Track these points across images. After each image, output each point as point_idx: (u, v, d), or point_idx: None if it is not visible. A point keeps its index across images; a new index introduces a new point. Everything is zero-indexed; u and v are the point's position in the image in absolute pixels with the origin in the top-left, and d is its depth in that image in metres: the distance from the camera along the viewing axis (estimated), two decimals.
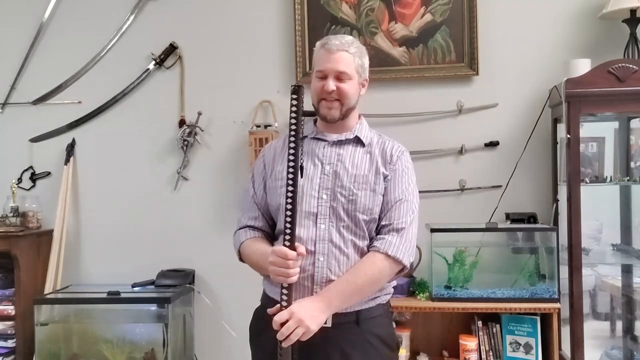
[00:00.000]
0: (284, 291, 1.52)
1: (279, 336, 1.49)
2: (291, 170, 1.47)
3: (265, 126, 2.85)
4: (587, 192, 2.35)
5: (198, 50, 2.97)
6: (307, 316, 1.50)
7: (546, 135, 2.70)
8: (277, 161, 1.75)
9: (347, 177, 1.66)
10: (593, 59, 2.45)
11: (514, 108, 2.75)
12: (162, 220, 2.99)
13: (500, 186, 2.74)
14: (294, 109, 1.49)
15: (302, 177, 1.61)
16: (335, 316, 1.59)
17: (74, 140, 3.05)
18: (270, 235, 1.78)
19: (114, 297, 2.69)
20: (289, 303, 1.52)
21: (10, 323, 2.81)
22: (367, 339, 1.62)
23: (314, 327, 1.50)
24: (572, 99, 2.31)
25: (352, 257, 1.62)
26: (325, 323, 1.57)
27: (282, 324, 1.49)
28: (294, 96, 1.50)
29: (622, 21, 2.54)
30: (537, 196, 2.73)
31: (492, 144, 2.75)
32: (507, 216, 2.67)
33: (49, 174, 3.09)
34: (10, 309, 2.81)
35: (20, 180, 3.07)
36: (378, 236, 1.65)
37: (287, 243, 1.50)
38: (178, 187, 2.98)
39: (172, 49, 2.97)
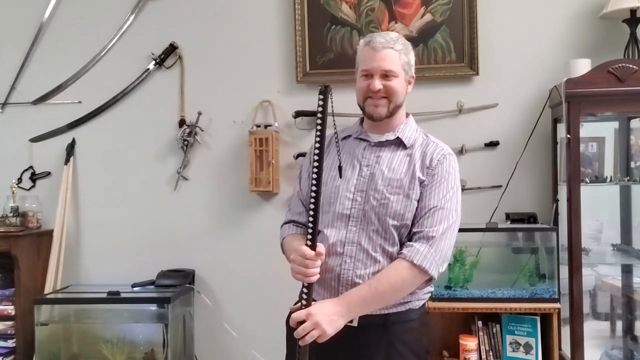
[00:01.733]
0: (304, 290, 1.51)
1: (296, 335, 1.48)
2: (315, 170, 1.45)
3: (265, 126, 2.85)
4: (587, 192, 2.35)
5: (198, 50, 2.97)
6: (324, 320, 1.48)
7: (546, 135, 2.70)
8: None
9: (382, 180, 1.62)
10: (593, 59, 2.45)
11: (514, 108, 2.75)
12: (162, 220, 2.99)
13: (500, 186, 2.74)
14: (320, 109, 1.45)
15: (340, 177, 1.63)
16: (363, 317, 1.57)
17: (74, 140, 3.05)
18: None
19: (114, 297, 2.69)
20: (309, 302, 1.50)
21: (10, 323, 2.81)
22: (393, 344, 1.59)
23: (331, 332, 1.48)
24: (572, 99, 2.31)
25: (381, 262, 1.59)
26: (352, 322, 1.56)
27: (300, 323, 1.48)
28: (321, 96, 1.46)
29: (622, 21, 2.54)
30: (537, 196, 2.73)
31: (492, 144, 2.75)
32: (507, 216, 2.67)
33: (49, 174, 3.09)
34: (10, 309, 2.81)
35: (20, 180, 3.07)
36: (408, 243, 1.59)
37: (309, 242, 1.49)
38: (178, 187, 2.98)
39: (172, 49, 2.97)
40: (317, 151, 1.46)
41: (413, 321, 1.64)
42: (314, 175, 1.46)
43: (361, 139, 1.71)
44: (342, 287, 1.59)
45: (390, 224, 1.60)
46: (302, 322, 1.48)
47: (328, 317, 1.49)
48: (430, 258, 1.55)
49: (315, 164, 1.46)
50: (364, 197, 1.62)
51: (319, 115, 1.45)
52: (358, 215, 1.62)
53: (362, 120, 1.77)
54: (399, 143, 1.69)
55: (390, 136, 1.69)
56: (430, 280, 1.59)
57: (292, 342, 1.60)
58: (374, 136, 1.70)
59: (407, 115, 1.76)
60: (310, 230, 1.49)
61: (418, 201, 1.61)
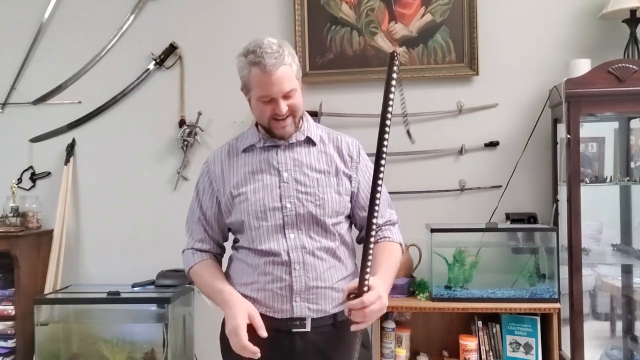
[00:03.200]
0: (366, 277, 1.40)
1: (361, 317, 1.39)
2: (384, 151, 1.31)
3: None
4: (587, 192, 2.35)
5: (198, 50, 2.97)
6: (386, 297, 1.46)
7: (546, 135, 2.70)
8: (229, 174, 1.65)
9: (310, 181, 1.60)
10: (593, 59, 2.45)
11: (514, 108, 2.75)
12: (162, 220, 2.98)
13: (500, 186, 2.74)
14: (394, 75, 1.33)
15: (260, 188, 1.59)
16: (314, 320, 1.58)
17: (74, 140, 3.05)
18: (220, 254, 1.74)
19: (114, 297, 2.69)
20: (361, 291, 1.40)
21: (10, 323, 2.81)
22: (344, 340, 1.60)
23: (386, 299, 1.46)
24: (572, 99, 2.31)
25: (327, 260, 1.60)
26: (305, 327, 1.57)
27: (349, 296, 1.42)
28: (396, 62, 1.33)
29: (622, 21, 2.54)
30: (537, 196, 2.73)
31: (492, 144, 2.75)
32: (507, 216, 2.67)
33: (49, 174, 3.09)
34: (10, 309, 2.81)
35: (20, 180, 3.07)
36: (383, 228, 1.67)
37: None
38: (178, 187, 2.98)
39: (172, 49, 2.97)
40: (387, 129, 1.32)
41: None
42: (382, 162, 1.31)
43: (269, 146, 1.64)
44: (296, 294, 1.57)
45: (329, 223, 1.60)
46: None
47: (386, 292, 1.48)
48: (400, 235, 1.71)
49: (385, 142, 1.31)
50: (294, 202, 1.58)
51: (391, 83, 1.34)
52: (293, 222, 1.58)
53: (257, 125, 1.68)
54: (308, 142, 1.66)
55: (300, 136, 1.65)
56: None
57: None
58: (280, 140, 1.64)
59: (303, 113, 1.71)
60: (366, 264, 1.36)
61: (356, 196, 1.66)
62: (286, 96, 1.57)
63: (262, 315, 1.55)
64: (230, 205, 1.64)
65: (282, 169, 1.62)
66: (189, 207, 1.75)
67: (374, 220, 1.33)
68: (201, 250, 1.71)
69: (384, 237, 1.67)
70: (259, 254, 1.60)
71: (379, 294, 1.40)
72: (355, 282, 1.41)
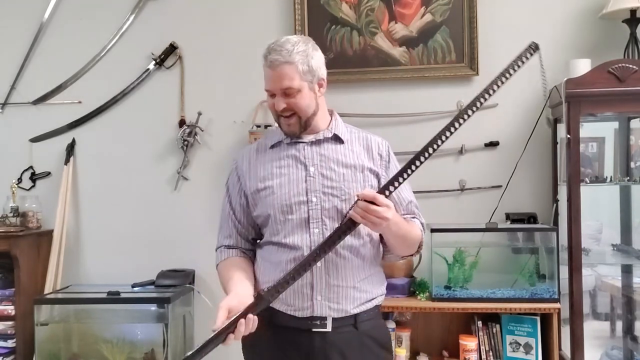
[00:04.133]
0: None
1: (362, 208, 1.43)
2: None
3: (265, 126, 2.85)
4: (587, 192, 2.35)
5: (198, 50, 2.97)
6: (394, 215, 1.49)
7: (546, 135, 2.70)
8: (255, 169, 1.67)
9: (336, 176, 1.60)
10: (593, 59, 2.45)
11: (514, 108, 2.75)
12: (162, 220, 2.98)
13: (500, 186, 2.74)
14: (520, 63, 1.45)
15: (287, 182, 1.60)
16: (335, 320, 1.57)
17: (74, 140, 3.05)
18: (250, 249, 1.73)
19: (114, 297, 2.69)
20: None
21: (10, 323, 2.81)
22: (364, 342, 1.60)
23: (385, 226, 1.47)
24: (572, 99, 2.31)
25: (350, 258, 1.59)
26: (325, 327, 1.56)
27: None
28: (530, 54, 1.44)
29: (622, 21, 2.54)
30: (537, 196, 2.73)
31: (492, 144, 2.75)
32: (507, 216, 2.67)
33: (49, 174, 3.09)
34: (10, 309, 2.81)
35: (20, 180, 3.07)
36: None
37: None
38: (178, 187, 2.98)
39: (172, 49, 2.97)
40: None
41: (377, 317, 1.67)
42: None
43: (296, 142, 1.65)
44: (316, 292, 1.56)
45: None
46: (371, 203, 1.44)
47: (394, 219, 1.49)
48: (423, 234, 1.69)
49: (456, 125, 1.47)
50: (320, 197, 1.58)
51: (514, 67, 1.44)
52: (318, 217, 1.58)
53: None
54: (335, 139, 1.66)
55: (327, 133, 1.66)
56: (411, 255, 1.71)
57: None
58: (308, 137, 1.65)
59: (332, 112, 1.72)
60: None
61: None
62: (286, 94, 1.57)
63: (283, 313, 1.57)
64: (257, 199, 1.65)
65: (308, 163, 1.62)
66: (221, 206, 1.77)
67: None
68: (228, 247, 1.71)
69: (413, 217, 1.70)
70: (282, 248, 1.59)
71: (391, 209, 1.46)
72: (370, 190, 1.47)
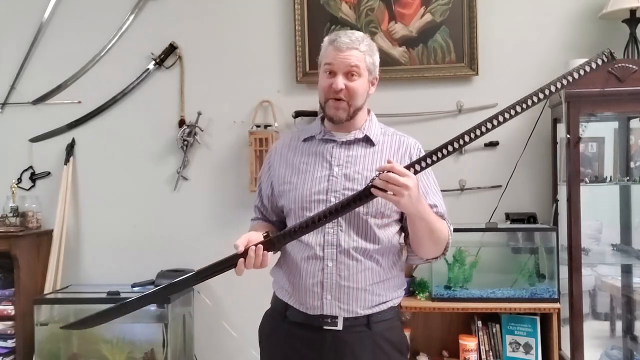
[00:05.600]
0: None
1: (383, 179, 1.40)
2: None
3: (265, 126, 2.85)
4: (587, 192, 2.35)
5: (198, 50, 2.97)
6: (415, 191, 1.43)
7: (546, 135, 2.70)
8: (285, 161, 1.69)
9: (358, 179, 1.59)
10: None
11: None
12: (162, 220, 2.99)
13: (500, 186, 2.74)
14: (588, 68, 1.44)
15: (310, 179, 1.61)
16: (346, 319, 1.57)
17: (73, 140, 3.05)
18: (275, 222, 1.77)
19: (113, 297, 2.69)
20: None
21: (10, 323, 2.81)
22: (377, 343, 1.59)
23: (407, 202, 1.42)
24: (572, 99, 2.31)
25: (362, 261, 1.57)
26: (336, 325, 1.57)
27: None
28: (603, 60, 1.45)
29: (622, 21, 2.54)
30: (537, 196, 2.73)
31: (492, 144, 2.75)
32: (507, 216, 2.67)
33: (48, 174, 3.09)
34: (10, 309, 2.81)
35: (20, 180, 3.07)
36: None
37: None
38: (178, 187, 2.98)
39: (172, 49, 2.97)
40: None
41: (393, 319, 1.65)
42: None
43: (327, 139, 1.66)
44: (326, 292, 1.56)
45: (372, 223, 1.58)
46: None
47: (417, 194, 1.46)
48: (450, 238, 1.62)
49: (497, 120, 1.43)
50: (339, 198, 1.57)
51: (584, 70, 1.47)
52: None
53: (322, 119, 1.71)
54: (366, 141, 1.66)
55: (359, 134, 1.65)
56: (436, 258, 1.65)
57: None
58: (340, 135, 1.65)
59: (369, 111, 1.73)
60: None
61: None
62: (347, 75, 1.58)
63: (296, 310, 1.60)
64: (281, 191, 1.68)
65: (334, 162, 1.62)
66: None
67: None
68: (254, 219, 1.82)
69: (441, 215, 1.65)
70: (299, 244, 1.60)
71: (411, 178, 1.42)
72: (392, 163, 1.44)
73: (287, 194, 1.64)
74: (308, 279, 1.56)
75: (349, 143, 1.65)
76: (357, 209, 1.53)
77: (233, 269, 1.54)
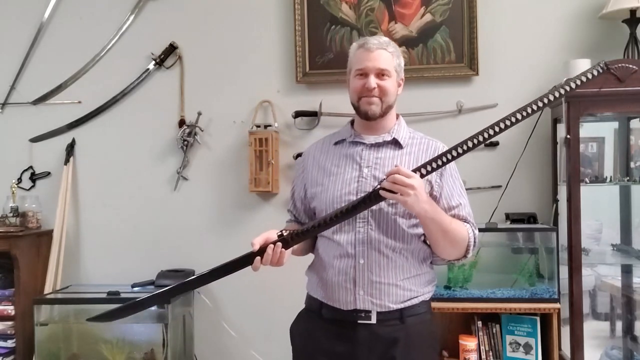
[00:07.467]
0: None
1: (390, 180, 1.48)
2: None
3: (265, 126, 2.85)
4: (587, 192, 2.35)
5: (198, 50, 2.97)
6: (421, 193, 1.50)
7: (546, 135, 2.70)
8: (317, 164, 1.76)
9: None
10: (593, 59, 2.44)
11: (514, 108, 2.70)
12: (162, 220, 2.99)
13: (500, 186, 2.74)
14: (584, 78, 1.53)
15: (340, 180, 1.66)
16: (379, 314, 1.62)
17: (73, 140, 3.05)
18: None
19: (114, 297, 2.69)
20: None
21: (10, 323, 2.81)
22: (410, 337, 1.63)
23: (413, 203, 1.49)
24: (572, 99, 2.31)
25: (393, 258, 1.63)
26: (370, 319, 1.61)
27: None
28: (598, 72, 1.56)
29: (622, 21, 2.54)
30: (537, 196, 2.72)
31: (492, 144, 2.75)
32: (507, 216, 2.67)
33: (48, 174, 3.09)
34: (10, 309, 2.81)
35: (20, 180, 3.07)
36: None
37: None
38: (178, 187, 2.98)
39: (172, 49, 2.97)
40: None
41: (424, 313, 1.70)
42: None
43: (357, 142, 1.73)
44: (358, 288, 1.61)
45: (401, 223, 1.63)
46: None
47: (423, 195, 1.51)
48: (475, 239, 1.67)
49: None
50: None
51: (578, 82, 1.54)
52: (365, 217, 1.63)
53: (352, 123, 1.79)
54: (395, 143, 1.72)
55: (387, 137, 1.72)
56: (458, 259, 1.70)
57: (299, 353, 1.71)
58: (369, 137, 1.72)
59: (398, 116, 1.79)
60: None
61: (436, 200, 1.65)
62: (378, 75, 1.66)
63: (330, 307, 1.66)
64: (313, 194, 1.74)
65: (363, 164, 1.68)
66: None
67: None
68: (288, 221, 1.89)
69: (462, 218, 1.69)
70: (331, 243, 1.66)
71: (416, 178, 1.48)
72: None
73: (318, 196, 1.71)
74: (340, 276, 1.63)
75: (377, 145, 1.71)
76: (384, 208, 1.61)
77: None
